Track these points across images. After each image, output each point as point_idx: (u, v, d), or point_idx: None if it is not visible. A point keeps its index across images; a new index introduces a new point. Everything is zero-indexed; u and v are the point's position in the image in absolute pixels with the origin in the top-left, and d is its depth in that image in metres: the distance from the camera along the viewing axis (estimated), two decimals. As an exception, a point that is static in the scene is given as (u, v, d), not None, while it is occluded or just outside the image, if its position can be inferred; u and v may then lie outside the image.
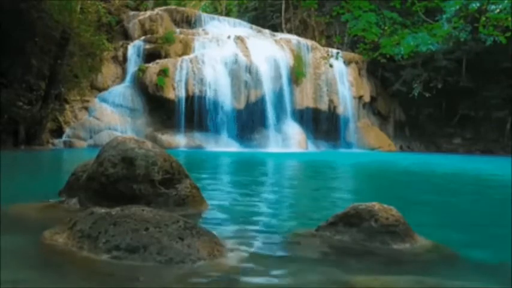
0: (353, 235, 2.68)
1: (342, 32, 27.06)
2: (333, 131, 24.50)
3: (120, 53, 21.33)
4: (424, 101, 25.36)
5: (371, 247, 2.57)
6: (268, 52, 22.64)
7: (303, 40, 25.11)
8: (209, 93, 20.61)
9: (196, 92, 20.50)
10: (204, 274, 2.06)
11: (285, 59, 22.99)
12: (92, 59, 18.57)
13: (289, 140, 21.98)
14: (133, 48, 21.54)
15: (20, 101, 15.77)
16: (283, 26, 29.83)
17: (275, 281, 2.08)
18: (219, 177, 8.12)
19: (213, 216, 3.58)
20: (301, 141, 22.46)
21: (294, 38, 24.92)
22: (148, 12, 23.42)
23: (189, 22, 24.55)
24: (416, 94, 25.17)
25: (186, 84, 20.42)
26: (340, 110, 24.56)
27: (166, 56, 21.30)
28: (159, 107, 20.51)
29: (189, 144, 19.82)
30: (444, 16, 18.81)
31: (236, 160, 13.96)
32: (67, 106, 18.82)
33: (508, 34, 8.09)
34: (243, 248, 2.51)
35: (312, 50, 24.49)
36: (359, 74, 26.31)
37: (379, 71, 26.69)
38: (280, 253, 2.58)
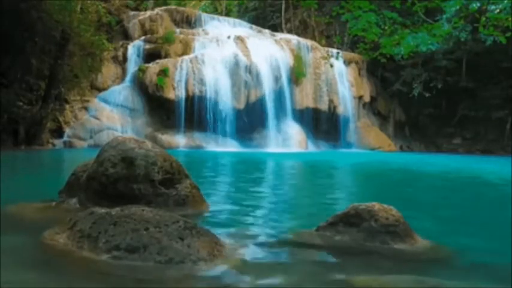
0: (353, 235, 2.68)
1: (342, 32, 27.06)
2: (333, 131, 24.49)
3: (120, 53, 21.33)
4: (424, 101, 25.36)
5: (371, 247, 2.57)
6: (268, 52, 22.63)
7: (303, 40, 25.10)
8: (209, 93, 20.61)
9: (196, 92, 20.50)
10: (204, 274, 2.06)
11: (285, 59, 22.98)
12: (92, 59, 18.56)
13: (289, 140, 21.97)
14: (133, 48, 21.54)
15: (20, 101, 15.77)
16: (283, 26, 29.83)
17: (275, 281, 2.08)
18: (219, 177, 8.12)
19: (213, 216, 3.58)
20: (301, 141, 22.45)
21: (294, 38, 24.91)
22: (148, 12, 23.42)
23: (189, 22, 24.55)
24: (416, 94, 25.17)
25: (186, 84, 20.42)
26: (340, 110, 24.56)
27: (166, 56, 21.30)
28: (159, 107, 20.52)
29: (189, 144, 19.82)
30: (444, 16, 18.80)
31: (236, 160, 13.96)
32: (67, 106, 18.81)
33: (508, 34, 8.09)
34: (243, 248, 2.51)
35: (312, 50, 24.48)
36: (359, 74, 26.30)
37: (379, 71, 26.68)
38: (280, 253, 2.58)
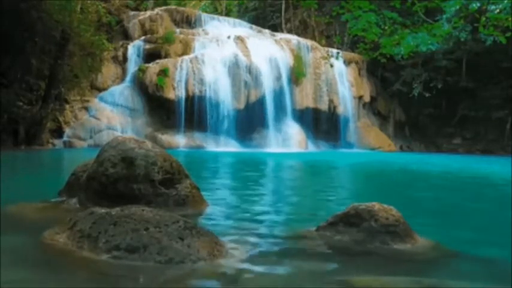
0: (353, 235, 2.67)
1: (342, 32, 27.06)
2: (333, 131, 24.49)
3: (120, 53, 21.33)
4: (424, 101, 25.36)
5: (371, 247, 2.57)
6: (268, 52, 22.63)
7: (303, 40, 25.10)
8: (209, 93, 20.61)
9: (196, 92, 20.50)
10: (204, 274, 2.06)
11: (285, 59, 22.98)
12: (92, 59, 18.56)
13: (289, 140, 21.97)
14: (133, 48, 21.54)
15: (20, 101, 15.77)
16: (283, 26, 29.83)
17: (275, 281, 2.08)
18: (219, 177, 8.12)
19: (213, 216, 3.58)
20: (301, 141, 22.45)
21: (294, 38, 24.91)
22: (148, 12, 23.42)
23: (189, 22, 24.55)
24: (416, 94, 25.17)
25: (186, 84, 20.42)
26: (340, 110, 24.56)
27: (166, 56, 21.30)
28: (159, 107, 20.52)
29: (189, 144, 19.83)
30: (444, 16, 18.79)
31: (236, 160, 13.96)
32: (67, 106, 18.81)
33: (508, 34, 8.09)
34: (243, 248, 2.51)
35: (312, 50, 24.48)
36: (359, 74, 26.31)
37: (379, 71, 26.68)
38: (280, 253, 2.58)
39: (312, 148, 22.92)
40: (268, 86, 21.88)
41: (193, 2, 29.66)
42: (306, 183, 8.27)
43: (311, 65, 24.02)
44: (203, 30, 23.98)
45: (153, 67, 20.47)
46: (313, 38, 28.16)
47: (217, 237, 2.44)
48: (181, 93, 20.34)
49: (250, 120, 21.42)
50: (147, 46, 21.58)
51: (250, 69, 21.69)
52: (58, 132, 18.25)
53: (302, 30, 29.64)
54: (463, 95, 25.39)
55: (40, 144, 16.44)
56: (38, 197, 3.89)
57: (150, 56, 21.24)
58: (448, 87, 24.99)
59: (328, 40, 29.24)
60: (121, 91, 20.43)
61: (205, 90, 20.58)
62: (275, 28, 28.48)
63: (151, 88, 20.22)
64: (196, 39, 22.49)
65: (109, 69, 21.01)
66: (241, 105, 21.34)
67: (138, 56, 21.46)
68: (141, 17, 22.78)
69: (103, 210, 2.43)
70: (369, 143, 25.08)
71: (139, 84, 20.46)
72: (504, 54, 22.22)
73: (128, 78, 20.97)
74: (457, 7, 11.08)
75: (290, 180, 8.36)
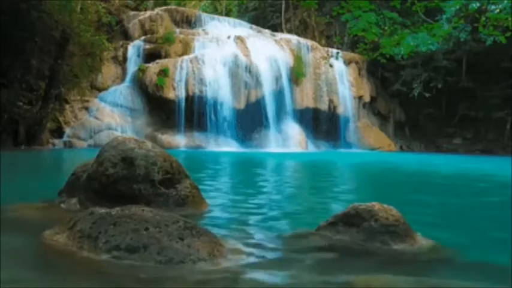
0: (353, 235, 2.67)
1: (342, 32, 27.09)
2: (333, 131, 24.50)
3: (120, 53, 21.35)
4: (424, 101, 25.37)
5: (371, 247, 2.57)
6: (268, 52, 22.65)
7: (303, 40, 25.12)
8: (209, 93, 20.62)
9: (196, 92, 20.51)
10: (204, 274, 2.06)
11: (285, 59, 22.99)
12: (92, 59, 18.57)
13: (289, 140, 21.99)
14: (134, 48, 21.56)
15: (20, 101, 15.78)
16: (283, 26, 29.84)
17: (275, 281, 2.08)
18: (219, 178, 8.12)
19: (213, 216, 3.58)
20: (301, 141, 22.46)
21: (294, 38, 24.93)
22: (148, 12, 23.44)
23: (189, 22, 24.57)
24: (416, 94, 25.18)
25: (186, 84, 20.43)
26: (340, 110, 24.57)
27: (166, 56, 21.31)
28: (159, 107, 20.53)
29: (189, 144, 19.83)
30: (444, 16, 18.81)
31: (236, 160, 13.96)
32: (67, 106, 18.82)
33: (508, 34, 8.10)
34: (243, 248, 2.51)
35: (312, 50, 24.49)
36: (359, 74, 26.31)
37: (379, 71, 26.69)
38: (280, 253, 2.58)
39: (312, 148, 22.93)
40: (268, 86, 21.89)
41: (193, 2, 29.67)
42: (306, 183, 8.27)
43: (311, 65, 24.04)
44: (203, 30, 24.00)
45: (153, 67, 20.48)
46: (313, 38, 28.17)
47: (217, 237, 2.44)
48: (181, 93, 20.35)
49: (250, 121, 21.44)
50: (147, 46, 21.60)
51: (250, 69, 21.70)
52: (58, 132, 18.25)
53: (302, 30, 29.65)
54: (463, 95, 25.40)
55: (40, 144, 16.45)
56: (38, 197, 3.89)
57: (150, 56, 21.26)
58: (448, 87, 25.01)
59: (328, 40, 29.26)
60: (121, 91, 20.44)
61: (205, 90, 20.59)
62: (275, 28, 28.50)
63: (151, 88, 20.24)
64: (196, 39, 22.51)
65: (109, 69, 21.02)
66: (241, 105, 21.34)
67: (138, 56, 21.48)
68: (141, 17, 22.80)
69: (103, 210, 2.43)
70: (369, 143, 25.09)
71: (139, 84, 20.47)
72: (504, 54, 22.24)
73: (128, 78, 20.98)
74: (457, 7, 11.08)
75: (290, 180, 8.36)
